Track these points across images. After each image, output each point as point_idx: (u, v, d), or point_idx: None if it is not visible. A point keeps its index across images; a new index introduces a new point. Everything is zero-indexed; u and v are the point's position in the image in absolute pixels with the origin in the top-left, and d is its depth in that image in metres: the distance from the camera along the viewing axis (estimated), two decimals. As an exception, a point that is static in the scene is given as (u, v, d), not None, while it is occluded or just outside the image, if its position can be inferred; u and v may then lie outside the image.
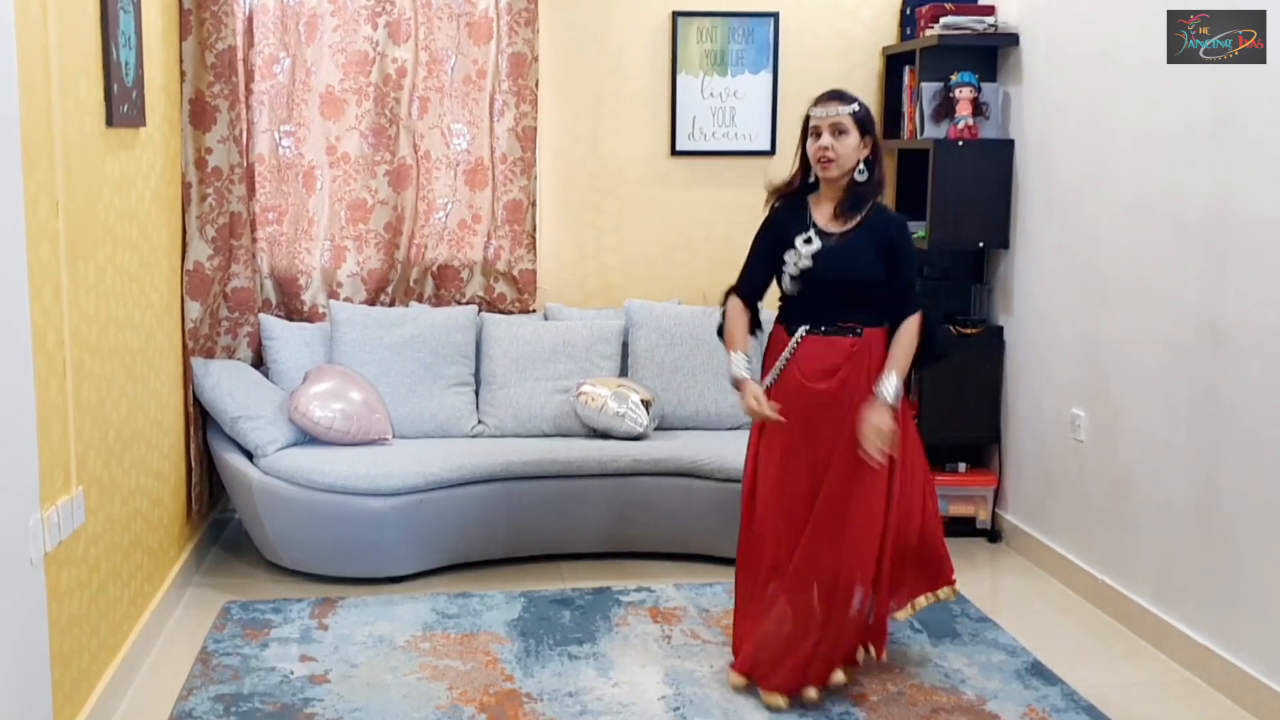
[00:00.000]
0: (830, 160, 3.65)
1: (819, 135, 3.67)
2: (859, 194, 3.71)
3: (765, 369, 3.79)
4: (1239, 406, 3.74)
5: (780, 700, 3.64)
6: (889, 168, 5.69)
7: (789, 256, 3.71)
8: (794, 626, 3.66)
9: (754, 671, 3.73)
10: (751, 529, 3.81)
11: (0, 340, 2.68)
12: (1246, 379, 3.70)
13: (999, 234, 5.17)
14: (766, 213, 3.85)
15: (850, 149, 3.66)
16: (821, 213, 3.75)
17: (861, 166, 3.69)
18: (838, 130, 3.65)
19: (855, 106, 3.67)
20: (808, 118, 3.73)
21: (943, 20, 5.16)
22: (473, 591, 4.54)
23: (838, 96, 3.70)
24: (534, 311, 5.52)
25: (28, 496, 2.85)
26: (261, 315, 5.13)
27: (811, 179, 3.77)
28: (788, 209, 3.79)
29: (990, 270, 5.36)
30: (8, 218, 2.73)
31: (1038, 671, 3.91)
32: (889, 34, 5.67)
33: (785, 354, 3.72)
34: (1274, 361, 3.58)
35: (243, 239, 4.95)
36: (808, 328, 3.70)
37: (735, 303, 3.85)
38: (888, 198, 5.67)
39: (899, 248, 3.71)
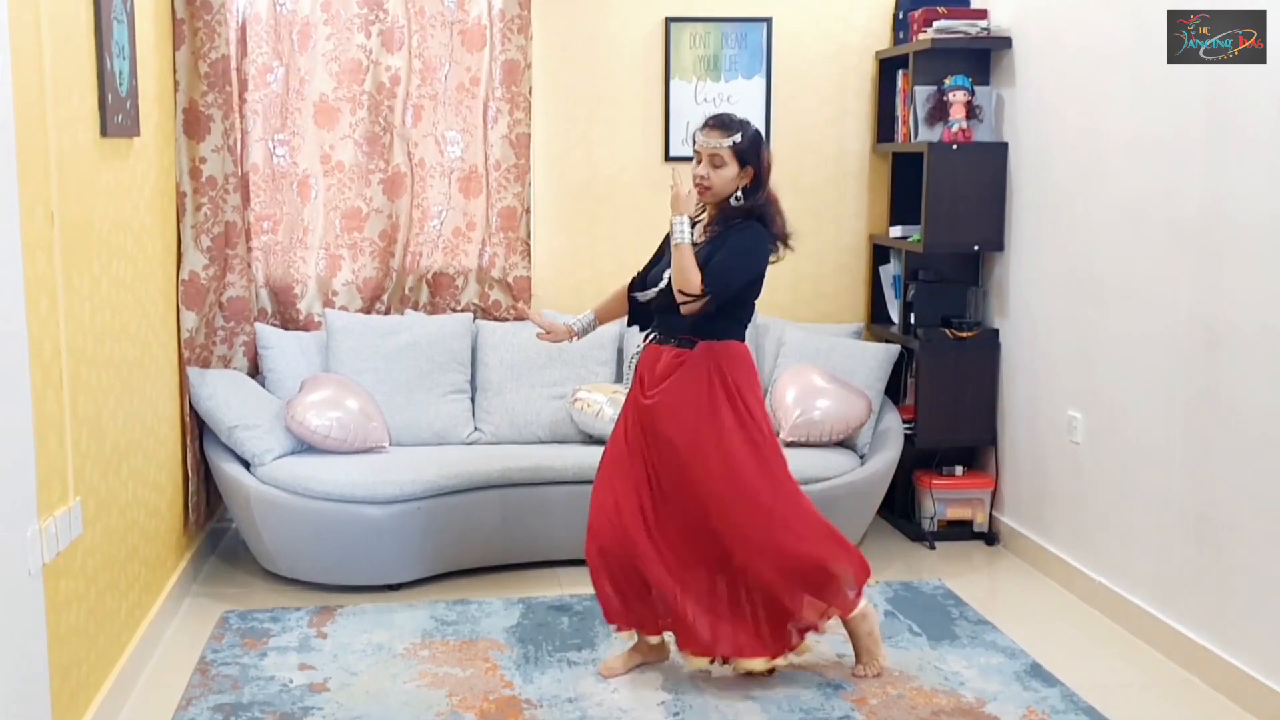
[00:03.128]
0: (705, 189, 3.72)
1: (699, 161, 3.72)
2: (726, 214, 3.75)
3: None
4: (1235, 407, 3.75)
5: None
6: (883, 171, 5.72)
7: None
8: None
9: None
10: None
11: (-3, 351, 2.68)
12: (1242, 380, 3.71)
13: (994, 237, 5.18)
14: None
15: (725, 179, 3.70)
16: (700, 226, 3.82)
17: (739, 194, 3.72)
18: (715, 161, 3.68)
19: (736, 138, 3.67)
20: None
21: (936, 24, 5.18)
22: (471, 598, 4.54)
23: (721, 125, 3.70)
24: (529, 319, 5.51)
25: (25, 508, 2.85)
26: (257, 324, 5.12)
27: None
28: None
29: (985, 273, 5.36)
30: (3, 229, 2.73)
31: (1037, 673, 3.91)
32: (882, 38, 5.68)
33: (629, 361, 3.93)
34: (1269, 362, 3.58)
35: (238, 248, 4.95)
36: (652, 337, 3.85)
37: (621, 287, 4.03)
38: (882, 202, 5.72)
39: (725, 243, 3.71)
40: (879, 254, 5.73)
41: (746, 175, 3.71)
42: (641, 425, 3.79)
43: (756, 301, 3.90)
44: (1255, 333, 3.65)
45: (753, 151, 3.70)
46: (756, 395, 3.79)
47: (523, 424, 5.13)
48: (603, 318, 4.08)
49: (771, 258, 3.79)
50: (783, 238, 3.80)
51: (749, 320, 3.85)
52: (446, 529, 4.64)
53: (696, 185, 3.72)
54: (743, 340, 3.81)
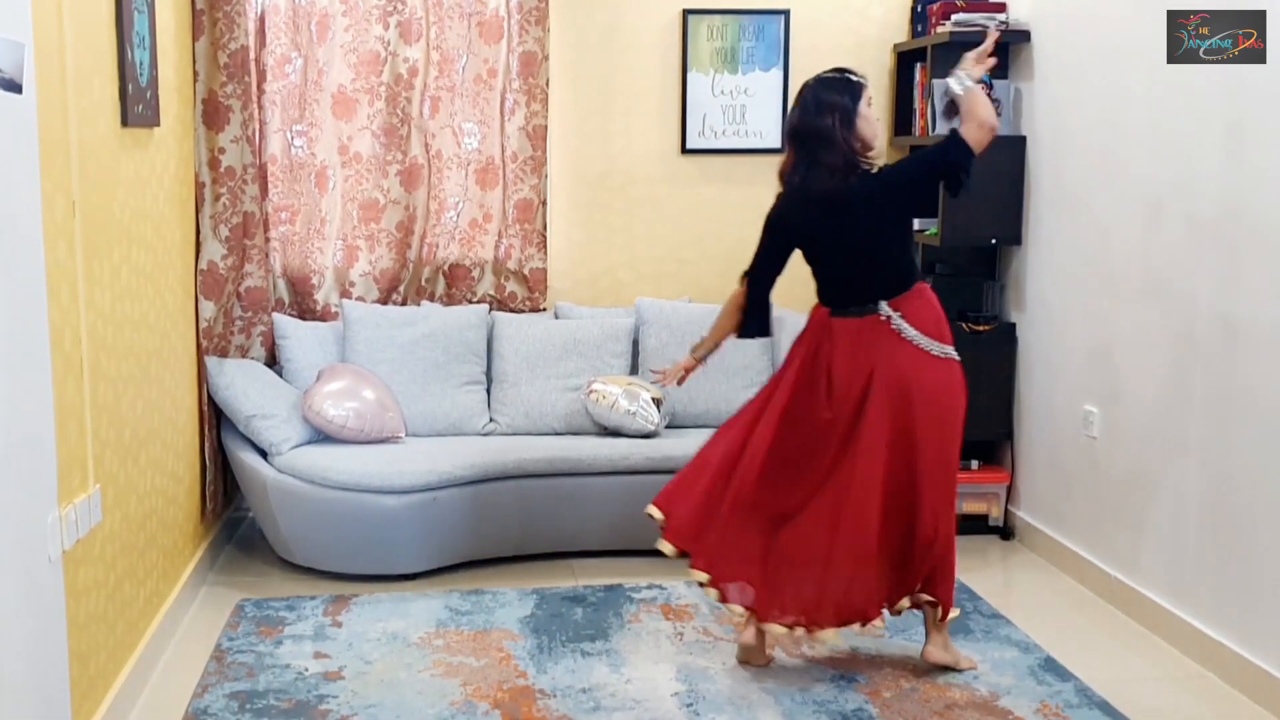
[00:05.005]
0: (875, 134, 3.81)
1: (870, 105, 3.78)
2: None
3: None
4: (1251, 402, 3.74)
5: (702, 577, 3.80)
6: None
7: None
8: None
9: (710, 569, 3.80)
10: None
11: (19, 340, 2.70)
12: (1259, 374, 3.70)
13: (1011, 230, 5.17)
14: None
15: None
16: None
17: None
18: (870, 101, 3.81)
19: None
20: (859, 92, 3.73)
21: (954, 17, 5.16)
22: (485, 588, 4.56)
23: (849, 71, 3.82)
24: (545, 310, 5.53)
25: (46, 495, 2.87)
26: (275, 314, 5.14)
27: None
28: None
29: (1002, 267, 5.35)
30: (26, 218, 2.75)
31: (1051, 667, 3.91)
32: (900, 31, 5.67)
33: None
34: (1287, 357, 3.58)
35: (256, 238, 4.97)
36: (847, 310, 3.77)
37: None
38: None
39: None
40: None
41: None
42: (881, 395, 3.65)
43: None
44: (1272, 327, 3.63)
45: None
46: None
47: (538, 415, 5.14)
48: (720, 337, 4.02)
49: None
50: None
51: None
52: (461, 519, 4.66)
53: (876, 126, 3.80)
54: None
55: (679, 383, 4.11)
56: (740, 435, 3.84)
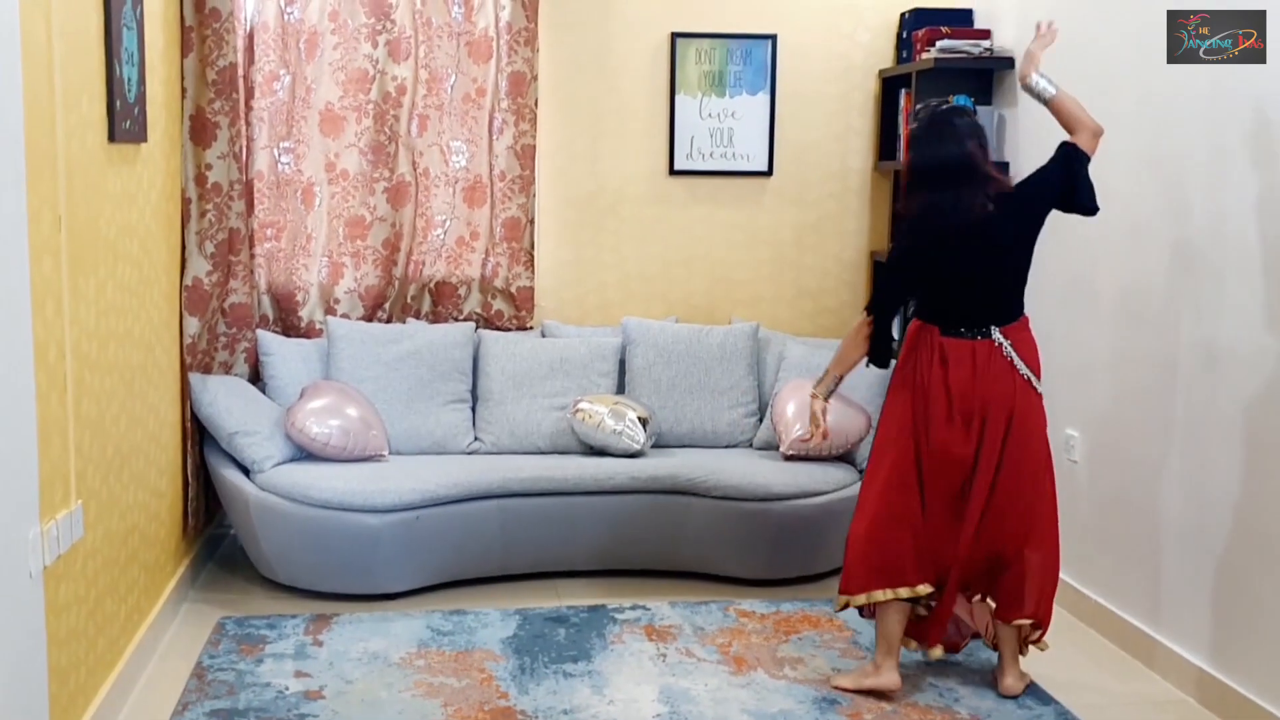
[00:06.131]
0: None
1: None
2: None
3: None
4: (1231, 428, 3.76)
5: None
6: (884, 189, 5.75)
7: None
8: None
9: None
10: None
11: (2, 354, 2.69)
12: (1239, 400, 3.73)
13: (994, 255, 5.18)
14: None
15: None
16: None
17: None
18: None
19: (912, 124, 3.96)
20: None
21: (939, 44, 5.20)
22: (468, 609, 4.55)
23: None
24: (531, 329, 5.53)
25: (28, 510, 2.86)
26: (259, 331, 5.14)
27: None
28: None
29: (985, 291, 5.37)
30: (11, 232, 2.75)
31: (1032, 691, 3.92)
32: (885, 57, 5.71)
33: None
34: (1267, 382, 3.60)
35: (241, 255, 4.97)
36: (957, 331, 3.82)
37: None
38: (883, 219, 5.76)
39: None
40: (880, 270, 5.74)
41: None
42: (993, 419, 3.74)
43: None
44: (1253, 353, 3.66)
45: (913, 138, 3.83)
46: None
47: (523, 434, 5.14)
48: (847, 369, 3.98)
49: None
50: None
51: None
52: (445, 539, 4.65)
53: None
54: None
55: (824, 435, 4.01)
56: (908, 472, 3.83)
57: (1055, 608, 4.69)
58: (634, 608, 4.57)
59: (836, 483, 4.87)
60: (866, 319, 3.87)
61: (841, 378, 3.98)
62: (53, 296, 3.04)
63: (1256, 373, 3.65)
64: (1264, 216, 3.62)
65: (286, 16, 5.19)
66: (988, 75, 5.29)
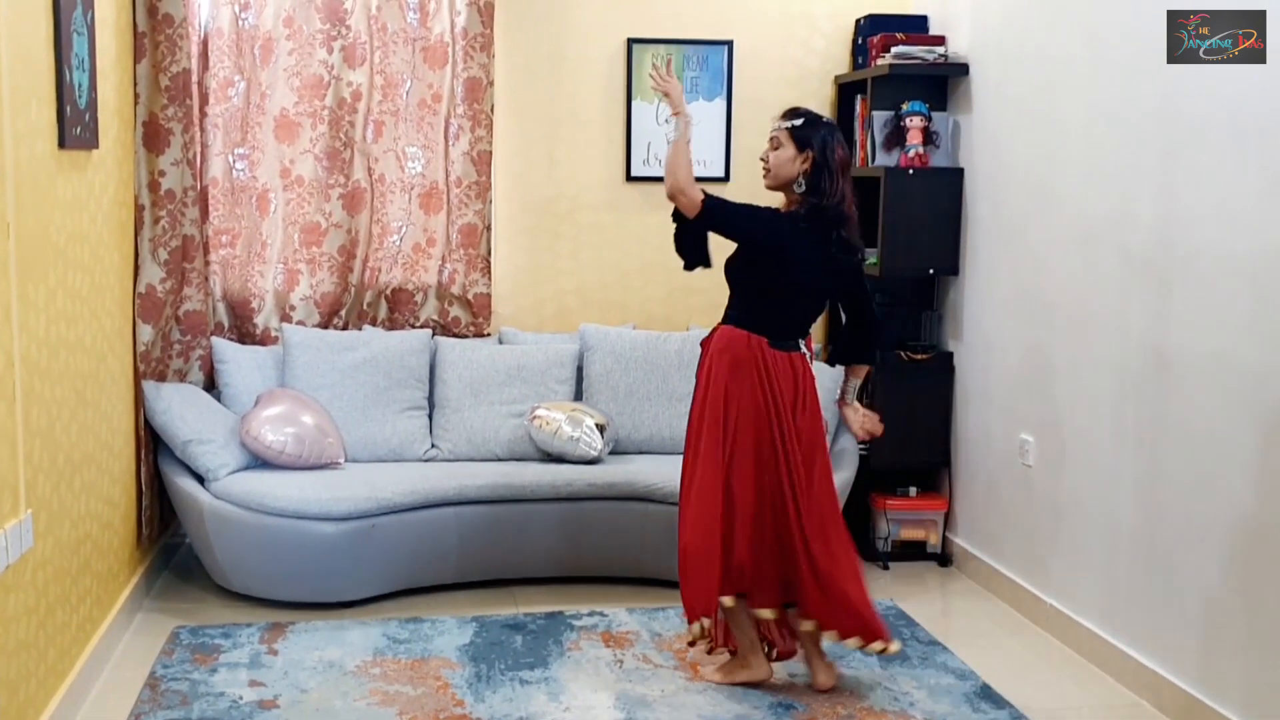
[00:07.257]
0: (765, 171, 3.96)
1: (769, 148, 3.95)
2: (797, 204, 3.91)
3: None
4: (1184, 432, 3.80)
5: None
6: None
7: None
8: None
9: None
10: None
11: (-52, 363, 2.67)
12: (1190, 405, 3.77)
13: (949, 261, 5.24)
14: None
15: (782, 160, 3.90)
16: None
17: (800, 180, 3.86)
18: (774, 143, 3.92)
19: (796, 122, 3.88)
20: None
21: (894, 50, 5.23)
22: (424, 616, 4.53)
23: (787, 112, 3.95)
24: (488, 335, 5.52)
25: (-25, 521, 2.83)
26: (214, 338, 5.10)
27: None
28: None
29: (940, 296, 5.42)
30: (-43, 240, 2.72)
31: (986, 695, 3.94)
32: (841, 63, 5.74)
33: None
34: (1217, 388, 3.64)
35: (195, 262, 4.93)
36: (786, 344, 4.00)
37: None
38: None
39: None
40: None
41: (805, 159, 3.84)
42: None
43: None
44: (1204, 358, 3.70)
45: (813, 137, 3.84)
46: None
47: (480, 441, 5.13)
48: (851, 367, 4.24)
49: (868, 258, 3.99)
50: (850, 245, 3.90)
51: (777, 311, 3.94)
52: (401, 546, 4.63)
53: (762, 166, 3.95)
54: (739, 325, 3.94)
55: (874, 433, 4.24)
56: (720, 480, 3.90)
57: (1011, 609, 4.76)
58: (591, 614, 4.57)
59: (793, 488, 4.88)
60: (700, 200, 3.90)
61: (848, 376, 4.20)
62: (1, 305, 3.01)
63: (1207, 378, 3.69)
64: (1212, 222, 3.66)
65: (241, 22, 5.16)
66: (942, 81, 5.33)
